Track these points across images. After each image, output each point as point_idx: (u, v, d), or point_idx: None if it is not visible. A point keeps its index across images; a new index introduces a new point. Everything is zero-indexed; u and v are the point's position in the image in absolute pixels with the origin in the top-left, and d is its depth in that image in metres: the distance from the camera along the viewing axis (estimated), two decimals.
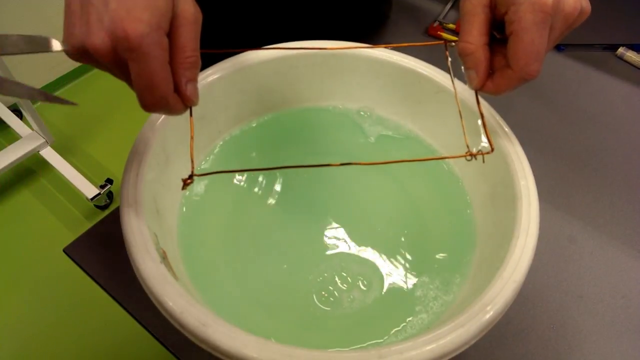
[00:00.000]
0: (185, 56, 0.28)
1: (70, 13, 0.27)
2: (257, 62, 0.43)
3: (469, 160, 0.34)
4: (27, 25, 1.49)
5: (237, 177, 0.44)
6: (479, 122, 0.38)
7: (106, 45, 0.26)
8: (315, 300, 0.37)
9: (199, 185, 0.43)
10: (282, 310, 0.37)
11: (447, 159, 0.46)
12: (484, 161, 0.35)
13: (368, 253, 0.40)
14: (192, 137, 0.32)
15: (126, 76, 0.28)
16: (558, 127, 0.59)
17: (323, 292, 0.38)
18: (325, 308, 0.37)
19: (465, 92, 0.42)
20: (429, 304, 0.37)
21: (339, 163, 0.33)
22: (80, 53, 0.27)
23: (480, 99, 0.41)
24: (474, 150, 0.34)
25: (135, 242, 0.31)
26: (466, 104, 0.41)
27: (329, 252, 0.40)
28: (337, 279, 0.38)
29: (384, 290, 0.38)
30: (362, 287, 0.38)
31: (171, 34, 0.28)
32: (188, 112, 0.31)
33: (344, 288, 0.38)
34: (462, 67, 0.34)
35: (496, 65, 0.33)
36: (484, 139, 0.37)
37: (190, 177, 0.31)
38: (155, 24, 0.26)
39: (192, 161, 0.32)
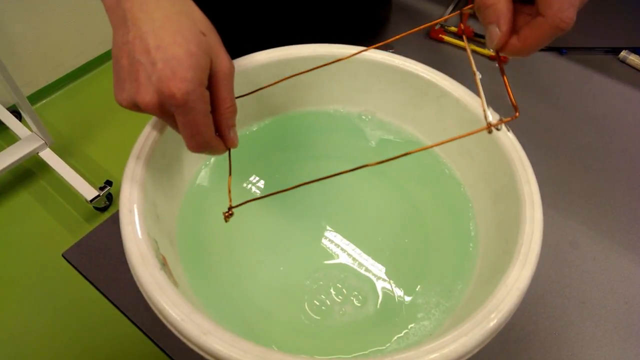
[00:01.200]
0: (226, 107, 0.32)
1: (119, 68, 0.30)
2: (258, 66, 0.42)
3: (490, 133, 0.31)
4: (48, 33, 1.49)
5: (239, 183, 0.44)
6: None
7: (154, 102, 0.29)
8: (307, 307, 0.37)
9: (199, 190, 0.43)
10: (281, 316, 0.37)
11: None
12: (508, 130, 0.32)
13: (368, 264, 0.40)
14: (230, 174, 0.35)
15: (173, 123, 0.31)
16: (560, 131, 0.58)
17: (315, 301, 0.37)
18: (315, 317, 0.37)
19: (466, 96, 0.41)
20: (431, 310, 0.37)
21: (351, 168, 0.32)
22: (131, 106, 0.30)
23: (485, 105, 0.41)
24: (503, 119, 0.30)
25: (134, 249, 0.30)
26: (468, 108, 0.41)
27: (327, 262, 0.40)
28: (332, 290, 0.38)
29: (378, 307, 0.37)
30: (356, 302, 0.37)
31: (212, 87, 0.31)
32: None
33: (338, 300, 0.37)
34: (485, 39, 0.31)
35: (520, 23, 0.30)
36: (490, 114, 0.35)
37: (230, 209, 0.34)
38: (197, 81, 0.28)
39: (230, 193, 0.34)
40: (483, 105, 0.31)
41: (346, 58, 0.39)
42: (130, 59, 0.29)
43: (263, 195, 0.35)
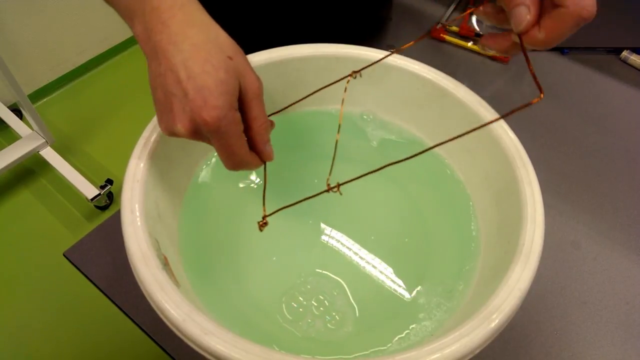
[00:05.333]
0: (260, 124, 0.33)
1: (156, 99, 0.32)
2: (259, 66, 0.42)
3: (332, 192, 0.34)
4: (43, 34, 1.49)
5: (239, 182, 0.44)
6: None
7: (190, 130, 0.30)
8: (284, 304, 0.37)
9: (200, 189, 0.43)
10: (277, 313, 0.37)
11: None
12: (340, 193, 0.34)
13: (366, 271, 0.39)
14: (265, 186, 0.36)
15: (210, 144, 0.32)
16: (561, 131, 0.58)
17: (293, 302, 0.37)
18: (288, 316, 0.37)
19: (468, 95, 0.41)
20: (432, 311, 0.36)
21: (363, 173, 0.34)
22: (170, 134, 0.32)
23: (487, 105, 0.41)
24: None
25: (136, 248, 0.30)
26: (470, 108, 0.41)
27: (324, 271, 0.39)
28: (314, 300, 0.38)
29: (347, 336, 0.36)
30: (329, 324, 0.37)
31: (243, 107, 0.32)
32: None
33: (316, 312, 0.37)
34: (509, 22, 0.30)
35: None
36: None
37: (264, 218, 0.35)
38: (228, 107, 0.30)
39: (264, 203, 0.35)
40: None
41: (378, 61, 0.40)
42: (164, 91, 0.30)
43: (293, 203, 0.35)
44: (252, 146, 0.34)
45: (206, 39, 0.30)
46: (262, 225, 0.35)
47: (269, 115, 0.35)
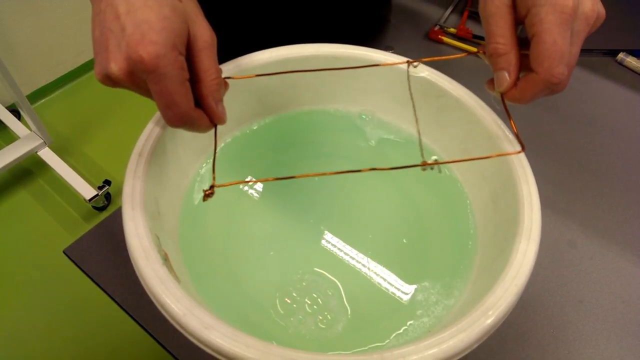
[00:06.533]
0: (212, 78, 0.30)
1: (94, 41, 0.28)
2: (260, 65, 0.43)
3: (424, 170, 0.33)
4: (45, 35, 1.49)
5: (237, 180, 0.44)
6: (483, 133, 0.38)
7: (124, 70, 0.27)
8: (278, 300, 0.37)
9: (200, 187, 0.43)
10: (272, 309, 0.37)
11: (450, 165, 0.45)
12: (440, 171, 0.34)
13: (359, 282, 0.39)
14: (215, 151, 0.34)
15: (149, 95, 0.29)
16: (558, 132, 0.59)
17: (287, 298, 0.37)
18: (280, 310, 0.37)
19: (466, 95, 0.42)
20: (430, 307, 0.37)
21: (358, 169, 0.33)
22: (105, 79, 0.28)
23: (484, 105, 0.41)
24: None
25: (137, 244, 0.30)
26: (467, 108, 0.41)
27: (321, 270, 0.39)
28: (307, 298, 0.37)
29: (336, 336, 0.36)
30: (320, 323, 0.36)
31: (193, 57, 0.30)
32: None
33: (309, 310, 0.37)
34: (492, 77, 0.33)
35: (522, 68, 0.32)
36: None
37: (211, 187, 0.31)
38: (170, 45, 0.27)
39: (214, 172, 0.32)
40: (420, 141, 0.34)
41: (383, 65, 0.40)
42: (102, 28, 0.27)
43: (257, 179, 0.34)
44: (202, 103, 0.31)
45: None
46: (208, 195, 0.31)
47: (225, 79, 0.33)
